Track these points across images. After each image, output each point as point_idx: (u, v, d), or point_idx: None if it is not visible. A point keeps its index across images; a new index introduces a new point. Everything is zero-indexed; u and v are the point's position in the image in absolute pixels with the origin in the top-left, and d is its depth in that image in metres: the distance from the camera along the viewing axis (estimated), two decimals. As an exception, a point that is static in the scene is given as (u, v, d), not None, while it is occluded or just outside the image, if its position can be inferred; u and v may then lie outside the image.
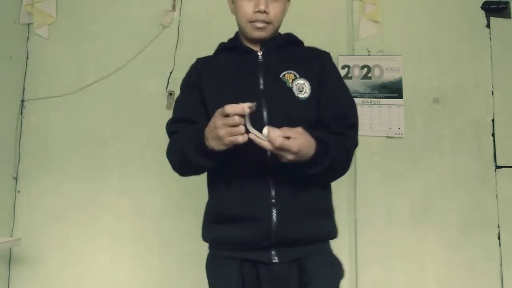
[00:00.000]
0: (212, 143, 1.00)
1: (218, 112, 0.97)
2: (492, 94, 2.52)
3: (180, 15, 2.62)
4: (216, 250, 1.21)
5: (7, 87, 2.51)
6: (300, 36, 1.35)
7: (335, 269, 1.25)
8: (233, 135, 0.95)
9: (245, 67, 1.23)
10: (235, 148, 1.00)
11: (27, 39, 2.65)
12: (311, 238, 1.16)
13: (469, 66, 2.54)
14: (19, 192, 2.55)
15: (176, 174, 2.60)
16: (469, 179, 2.45)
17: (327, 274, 1.20)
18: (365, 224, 2.39)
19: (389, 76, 2.48)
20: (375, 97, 2.48)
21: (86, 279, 2.47)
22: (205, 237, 1.23)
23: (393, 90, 2.48)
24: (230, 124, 0.94)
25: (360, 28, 2.52)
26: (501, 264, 2.39)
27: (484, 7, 2.59)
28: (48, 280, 2.48)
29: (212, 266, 1.22)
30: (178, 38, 2.59)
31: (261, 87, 1.19)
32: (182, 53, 2.58)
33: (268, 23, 1.20)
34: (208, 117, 1.09)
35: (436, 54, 2.54)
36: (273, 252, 1.13)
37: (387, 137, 2.45)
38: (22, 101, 2.61)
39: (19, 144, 2.57)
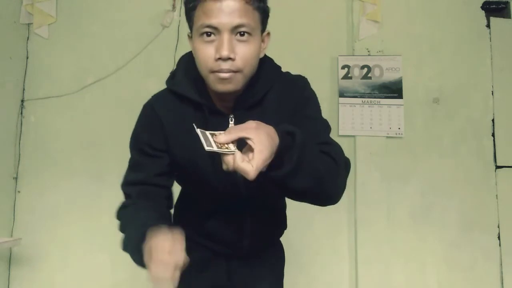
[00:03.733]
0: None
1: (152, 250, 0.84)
2: (492, 94, 2.52)
3: (180, 15, 2.62)
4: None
5: (7, 87, 2.51)
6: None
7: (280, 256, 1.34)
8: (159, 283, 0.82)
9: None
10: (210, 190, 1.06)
11: (27, 39, 2.65)
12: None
13: (469, 66, 2.54)
14: (19, 192, 2.55)
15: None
16: (469, 179, 2.45)
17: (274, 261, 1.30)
18: (365, 224, 2.39)
19: (389, 76, 2.48)
20: (375, 97, 2.48)
21: (86, 279, 2.47)
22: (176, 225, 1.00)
23: (393, 90, 2.48)
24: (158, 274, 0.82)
25: (360, 28, 2.52)
26: (501, 264, 2.39)
27: (484, 7, 2.59)
28: (48, 280, 2.48)
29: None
30: (178, 38, 2.59)
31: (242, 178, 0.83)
32: (182, 53, 2.57)
33: (235, 71, 0.93)
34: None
35: (436, 54, 2.54)
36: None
37: (387, 137, 2.45)
38: (22, 101, 2.61)
39: (19, 144, 2.57)
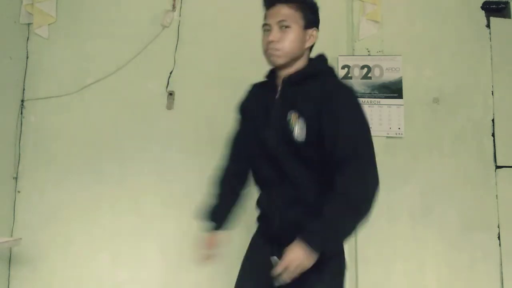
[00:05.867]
0: None
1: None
2: (492, 94, 2.52)
3: (180, 15, 2.62)
4: None
5: (7, 87, 2.51)
6: None
7: None
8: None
9: (266, 105, 1.38)
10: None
11: (27, 39, 2.65)
12: None
13: (469, 66, 2.54)
14: (19, 192, 2.55)
15: (175, 174, 2.61)
16: (469, 179, 2.45)
17: None
18: (365, 224, 2.38)
19: (389, 76, 2.48)
20: (375, 97, 2.48)
21: (86, 279, 2.47)
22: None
23: (393, 90, 2.48)
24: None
25: (360, 28, 2.52)
26: (501, 264, 2.39)
27: (484, 7, 2.59)
28: (48, 280, 2.48)
29: None
30: (178, 38, 2.60)
31: (268, 123, 1.35)
32: (182, 53, 2.58)
33: (278, 50, 1.31)
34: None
35: (436, 54, 2.54)
36: None
37: (387, 137, 2.45)
38: (22, 101, 2.61)
39: (19, 144, 2.57)
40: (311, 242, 1.17)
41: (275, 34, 1.31)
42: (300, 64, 1.36)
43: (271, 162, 1.34)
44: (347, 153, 1.21)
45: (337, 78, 1.44)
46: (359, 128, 1.26)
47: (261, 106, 1.40)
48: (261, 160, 1.38)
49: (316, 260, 1.19)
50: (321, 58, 1.41)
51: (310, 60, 1.39)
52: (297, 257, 1.16)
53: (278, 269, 1.16)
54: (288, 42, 1.31)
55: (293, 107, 1.29)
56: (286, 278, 1.17)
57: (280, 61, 1.33)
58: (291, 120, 1.28)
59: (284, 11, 1.32)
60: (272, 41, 1.31)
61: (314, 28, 1.39)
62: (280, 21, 1.31)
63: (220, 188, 1.55)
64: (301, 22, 1.33)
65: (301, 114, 1.27)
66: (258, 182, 1.46)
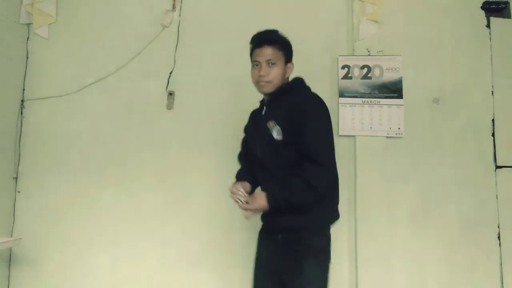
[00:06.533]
0: None
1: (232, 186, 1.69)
2: (492, 94, 2.52)
3: (180, 15, 2.62)
4: None
5: (7, 87, 2.52)
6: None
7: None
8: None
9: (257, 120, 1.78)
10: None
11: (27, 39, 2.65)
12: None
13: (469, 66, 2.54)
14: (19, 192, 2.56)
15: (175, 174, 2.61)
16: (469, 179, 2.45)
17: None
18: (365, 224, 2.39)
19: (389, 76, 2.48)
20: (375, 97, 2.48)
21: (86, 279, 2.47)
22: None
23: (393, 90, 2.48)
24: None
25: (360, 28, 2.52)
26: (501, 264, 2.39)
27: (484, 7, 2.59)
28: (48, 280, 2.48)
29: None
30: (178, 38, 2.60)
31: (257, 134, 1.76)
32: (182, 53, 2.58)
33: (268, 82, 1.67)
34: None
35: (436, 54, 2.54)
36: None
37: (387, 137, 2.45)
38: (22, 101, 2.61)
39: (19, 144, 2.57)
40: (270, 198, 1.57)
41: (264, 69, 1.66)
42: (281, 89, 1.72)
43: (262, 165, 1.71)
44: (308, 152, 1.55)
45: (307, 90, 1.73)
46: (320, 131, 1.60)
47: (253, 124, 1.82)
48: (256, 165, 1.75)
49: (306, 252, 1.58)
50: (295, 78, 1.75)
51: (288, 84, 1.73)
52: (261, 205, 1.58)
53: (247, 209, 1.59)
54: (274, 75, 1.67)
55: (271, 117, 1.66)
56: (249, 215, 1.60)
57: (269, 90, 1.69)
58: (270, 127, 1.64)
59: (271, 51, 1.66)
60: (262, 76, 1.66)
61: (291, 62, 1.74)
62: (268, 60, 1.66)
63: (243, 168, 1.92)
64: (283, 59, 1.69)
65: (277, 120, 1.63)
66: (258, 182, 1.76)
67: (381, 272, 2.35)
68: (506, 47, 2.55)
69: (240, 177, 1.83)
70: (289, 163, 1.61)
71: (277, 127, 1.62)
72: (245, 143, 1.92)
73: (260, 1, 2.61)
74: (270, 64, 1.66)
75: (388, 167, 2.44)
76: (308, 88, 1.75)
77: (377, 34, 2.53)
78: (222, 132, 2.51)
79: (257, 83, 1.70)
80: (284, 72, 1.71)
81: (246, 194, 1.61)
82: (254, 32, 1.74)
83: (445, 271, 2.38)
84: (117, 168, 2.53)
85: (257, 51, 1.69)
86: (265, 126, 1.66)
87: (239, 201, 1.60)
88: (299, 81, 1.75)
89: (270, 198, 1.56)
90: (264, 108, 1.75)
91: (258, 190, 1.70)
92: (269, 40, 1.69)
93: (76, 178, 2.53)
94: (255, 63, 1.71)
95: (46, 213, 2.52)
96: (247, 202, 1.59)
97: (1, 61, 2.46)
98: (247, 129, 1.92)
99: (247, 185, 1.71)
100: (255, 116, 1.84)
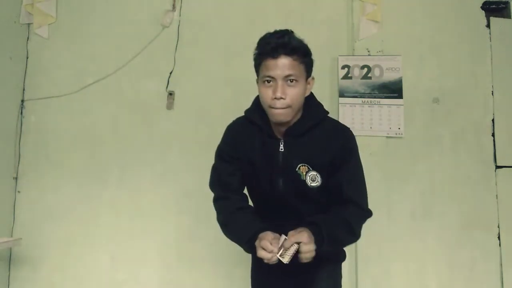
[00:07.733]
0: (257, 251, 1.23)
1: (261, 245, 1.21)
2: (492, 94, 2.52)
3: (180, 15, 2.62)
4: None
5: (7, 87, 2.52)
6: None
7: None
8: (268, 260, 1.20)
9: (269, 154, 1.35)
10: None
11: (27, 39, 2.65)
12: None
13: (469, 66, 2.54)
14: (19, 192, 2.56)
15: (175, 174, 2.60)
16: (469, 179, 2.45)
17: None
18: (365, 224, 2.38)
19: (389, 76, 2.48)
20: (375, 97, 2.48)
21: (86, 279, 2.47)
22: None
23: (393, 90, 2.48)
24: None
25: (360, 28, 2.52)
26: (501, 264, 2.38)
27: (484, 7, 2.59)
28: (48, 280, 2.48)
29: None
30: (178, 38, 2.60)
31: (280, 183, 1.34)
32: (182, 53, 2.58)
33: (286, 107, 1.25)
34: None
35: (436, 54, 2.54)
36: None
37: (387, 137, 2.45)
38: (22, 101, 2.61)
39: (19, 144, 2.57)
40: (318, 235, 1.22)
41: (281, 89, 1.23)
42: (299, 114, 1.34)
43: (277, 202, 1.37)
44: (352, 195, 1.36)
45: (335, 121, 1.44)
46: (360, 171, 1.41)
47: (263, 154, 1.36)
48: (267, 200, 1.40)
49: (320, 266, 1.35)
50: (319, 106, 1.41)
51: (308, 108, 1.36)
52: (310, 248, 1.20)
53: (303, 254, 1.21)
54: (295, 97, 1.25)
55: (302, 160, 1.32)
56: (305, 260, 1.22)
57: (287, 118, 1.28)
58: (302, 172, 1.32)
59: (290, 64, 1.23)
60: (279, 98, 1.23)
61: (311, 77, 1.35)
62: (286, 76, 1.23)
63: (236, 210, 1.43)
64: (304, 74, 1.28)
65: (312, 167, 1.32)
66: (262, 212, 1.42)
67: (381, 272, 2.35)
68: (506, 47, 2.54)
69: (254, 223, 1.34)
70: (317, 202, 1.36)
71: (312, 173, 1.32)
72: (243, 175, 1.42)
73: (260, 1, 2.61)
74: (289, 82, 1.23)
75: (388, 167, 2.43)
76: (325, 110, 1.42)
77: (377, 34, 2.53)
78: (222, 132, 2.51)
79: (271, 107, 1.26)
80: (305, 91, 1.31)
81: (286, 246, 1.21)
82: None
83: (445, 271, 2.38)
84: (117, 168, 2.54)
85: (270, 62, 1.23)
86: (292, 169, 1.31)
87: (290, 256, 1.21)
88: (322, 108, 1.41)
89: (318, 239, 1.21)
90: (283, 141, 1.34)
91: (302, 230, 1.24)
92: (289, 48, 1.22)
93: (76, 178, 2.53)
94: (266, 79, 1.25)
95: (46, 213, 2.52)
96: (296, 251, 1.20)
97: (1, 61, 2.46)
98: (237, 150, 1.41)
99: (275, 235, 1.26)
100: (255, 138, 1.38)
